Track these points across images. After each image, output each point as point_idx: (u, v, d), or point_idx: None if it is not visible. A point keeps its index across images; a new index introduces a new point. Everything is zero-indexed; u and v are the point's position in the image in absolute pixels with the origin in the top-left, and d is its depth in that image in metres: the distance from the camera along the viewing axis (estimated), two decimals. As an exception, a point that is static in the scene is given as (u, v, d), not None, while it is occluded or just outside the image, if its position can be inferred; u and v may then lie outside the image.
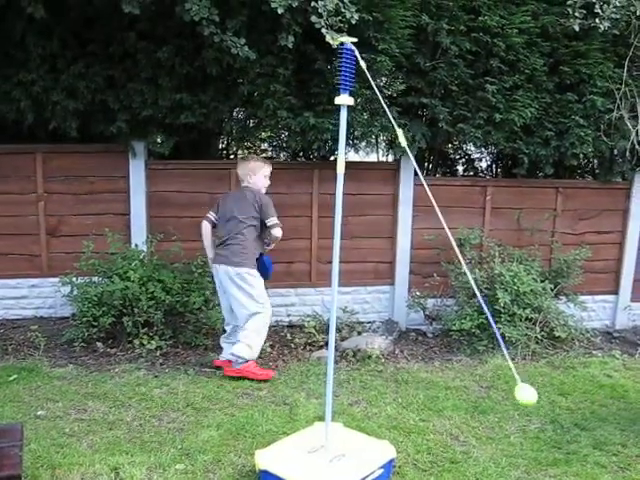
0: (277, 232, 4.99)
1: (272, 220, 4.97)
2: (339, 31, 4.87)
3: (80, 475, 3.49)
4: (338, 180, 3.44)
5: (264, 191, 5.14)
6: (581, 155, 6.58)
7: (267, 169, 5.14)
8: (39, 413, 4.31)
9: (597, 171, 7.11)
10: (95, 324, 5.39)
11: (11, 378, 4.89)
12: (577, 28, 5.87)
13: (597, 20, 5.85)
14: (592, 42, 6.12)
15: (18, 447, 2.29)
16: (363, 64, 3.25)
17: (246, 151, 8.33)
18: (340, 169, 3.42)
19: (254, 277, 4.98)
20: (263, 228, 5.05)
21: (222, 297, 5.14)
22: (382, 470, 3.49)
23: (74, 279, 5.59)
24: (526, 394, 3.02)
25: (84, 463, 3.61)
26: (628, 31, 6.12)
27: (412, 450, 3.93)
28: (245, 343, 4.90)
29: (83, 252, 5.60)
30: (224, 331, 5.29)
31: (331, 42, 3.32)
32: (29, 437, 3.80)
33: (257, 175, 5.07)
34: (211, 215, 5.20)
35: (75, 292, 5.55)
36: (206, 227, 5.18)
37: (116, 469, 3.56)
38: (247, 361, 4.98)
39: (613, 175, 6.78)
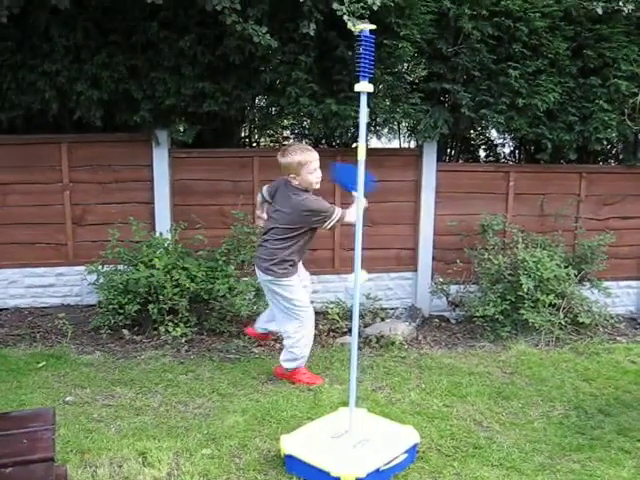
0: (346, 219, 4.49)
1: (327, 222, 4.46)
2: (360, 18, 4.87)
3: (109, 459, 3.56)
4: (360, 167, 3.45)
5: (317, 186, 4.50)
6: (605, 140, 6.51)
7: (312, 161, 4.38)
8: (67, 399, 4.39)
9: (621, 156, 7.05)
10: (121, 311, 5.46)
11: (40, 365, 4.98)
12: (600, 11, 5.81)
13: (620, 3, 5.80)
14: (616, 25, 6.04)
15: (51, 430, 2.34)
16: None
17: (268, 139, 8.36)
18: (361, 155, 3.44)
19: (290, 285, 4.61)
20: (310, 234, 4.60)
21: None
22: (406, 455, 3.52)
23: (100, 267, 5.67)
24: None
25: (112, 448, 3.68)
26: (653, 14, 6.06)
27: (436, 435, 3.95)
28: (290, 352, 4.70)
29: (108, 240, 5.68)
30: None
31: (352, 29, 3.32)
32: (58, 423, 3.86)
33: (301, 175, 4.39)
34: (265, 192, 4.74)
35: (101, 280, 5.63)
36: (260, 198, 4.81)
37: (143, 454, 3.63)
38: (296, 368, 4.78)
39: (638, 160, 6.71)
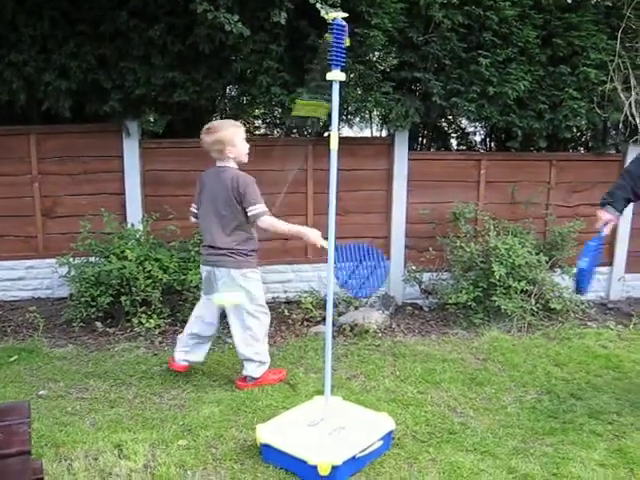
0: (262, 222, 4.23)
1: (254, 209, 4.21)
2: (333, 6, 4.86)
3: (84, 452, 3.53)
4: (332, 156, 3.45)
5: (246, 159, 4.36)
6: (574, 128, 6.58)
7: (242, 130, 4.32)
8: (41, 393, 4.34)
9: (590, 143, 7.13)
10: (93, 304, 5.42)
11: (11, 359, 4.92)
12: (570, 0, 5.86)
13: (590, -9, 5.85)
14: (585, 14, 6.11)
15: (26, 424, 2.32)
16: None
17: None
18: (334, 145, 3.43)
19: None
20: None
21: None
22: (382, 442, 3.54)
23: (71, 260, 5.61)
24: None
25: (87, 441, 3.66)
26: (621, 2, 6.13)
27: (411, 422, 3.98)
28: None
29: (79, 232, 5.62)
30: None
31: (326, 17, 3.32)
32: (32, 417, 3.83)
33: (237, 145, 4.24)
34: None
35: (72, 272, 5.57)
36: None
37: (119, 446, 3.61)
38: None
39: (607, 147, 6.81)
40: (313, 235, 4.13)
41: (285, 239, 6.35)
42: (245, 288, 4.29)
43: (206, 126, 4.29)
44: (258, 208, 4.17)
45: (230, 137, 4.21)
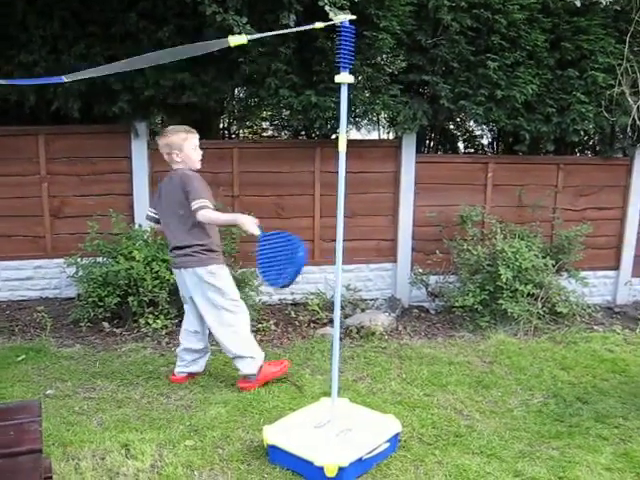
0: (200, 216, 4.18)
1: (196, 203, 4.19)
2: (341, 9, 4.87)
3: (91, 452, 3.55)
4: (340, 158, 3.45)
5: (199, 165, 4.41)
6: (582, 131, 6.57)
7: (194, 138, 4.35)
8: (48, 392, 4.36)
9: (598, 147, 7.12)
10: (101, 304, 5.44)
11: (19, 358, 4.94)
12: (578, 3, 5.87)
13: (598, -5, 5.85)
14: (593, 18, 6.11)
15: (37, 422, 2.33)
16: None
17: (247, 130, 8.34)
18: (342, 147, 3.44)
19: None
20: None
21: None
22: (388, 444, 3.55)
23: (79, 260, 5.63)
24: None
25: (95, 440, 3.67)
26: (629, 6, 6.12)
27: (417, 424, 3.98)
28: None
29: (87, 233, 5.64)
30: None
31: (334, 19, 3.33)
32: (40, 415, 3.87)
33: (184, 151, 4.29)
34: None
35: (80, 273, 5.60)
36: None
37: (126, 446, 3.62)
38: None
39: (614, 151, 6.80)
40: (247, 221, 4.09)
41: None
42: (214, 285, 4.31)
43: (162, 130, 4.40)
44: (198, 203, 4.17)
45: (178, 142, 4.28)
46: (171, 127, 4.43)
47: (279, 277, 3.83)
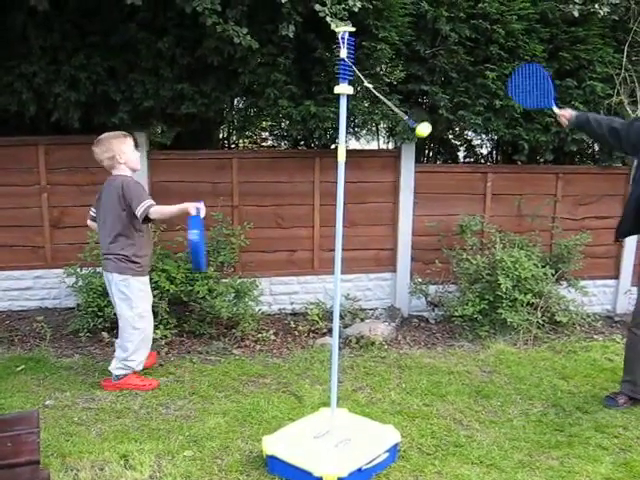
0: (152, 214, 4.36)
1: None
2: (341, 19, 4.89)
3: (90, 463, 3.54)
4: (339, 168, 3.46)
5: (139, 166, 4.64)
6: (581, 141, 6.58)
7: (131, 140, 4.55)
8: (47, 403, 4.36)
9: (597, 156, 7.13)
10: (100, 314, 5.44)
11: (19, 368, 4.94)
12: (576, 14, 5.89)
13: (596, 5, 5.88)
14: (591, 27, 6.13)
15: (35, 433, 2.33)
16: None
17: (247, 140, 8.35)
18: (341, 157, 3.45)
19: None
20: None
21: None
22: (387, 454, 3.54)
23: (78, 270, 5.64)
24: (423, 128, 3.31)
25: (94, 451, 3.67)
26: (627, 16, 6.14)
27: (416, 434, 3.98)
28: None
29: (87, 243, 5.64)
30: None
31: (336, 31, 3.35)
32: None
33: (126, 152, 4.48)
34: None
35: (80, 283, 5.60)
36: None
37: (125, 456, 3.62)
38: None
39: (613, 160, 6.80)
40: (189, 205, 4.21)
41: (292, 250, 6.37)
42: (125, 294, 4.47)
43: (96, 139, 4.54)
44: (145, 204, 4.33)
45: (120, 146, 4.47)
46: (105, 134, 4.59)
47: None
